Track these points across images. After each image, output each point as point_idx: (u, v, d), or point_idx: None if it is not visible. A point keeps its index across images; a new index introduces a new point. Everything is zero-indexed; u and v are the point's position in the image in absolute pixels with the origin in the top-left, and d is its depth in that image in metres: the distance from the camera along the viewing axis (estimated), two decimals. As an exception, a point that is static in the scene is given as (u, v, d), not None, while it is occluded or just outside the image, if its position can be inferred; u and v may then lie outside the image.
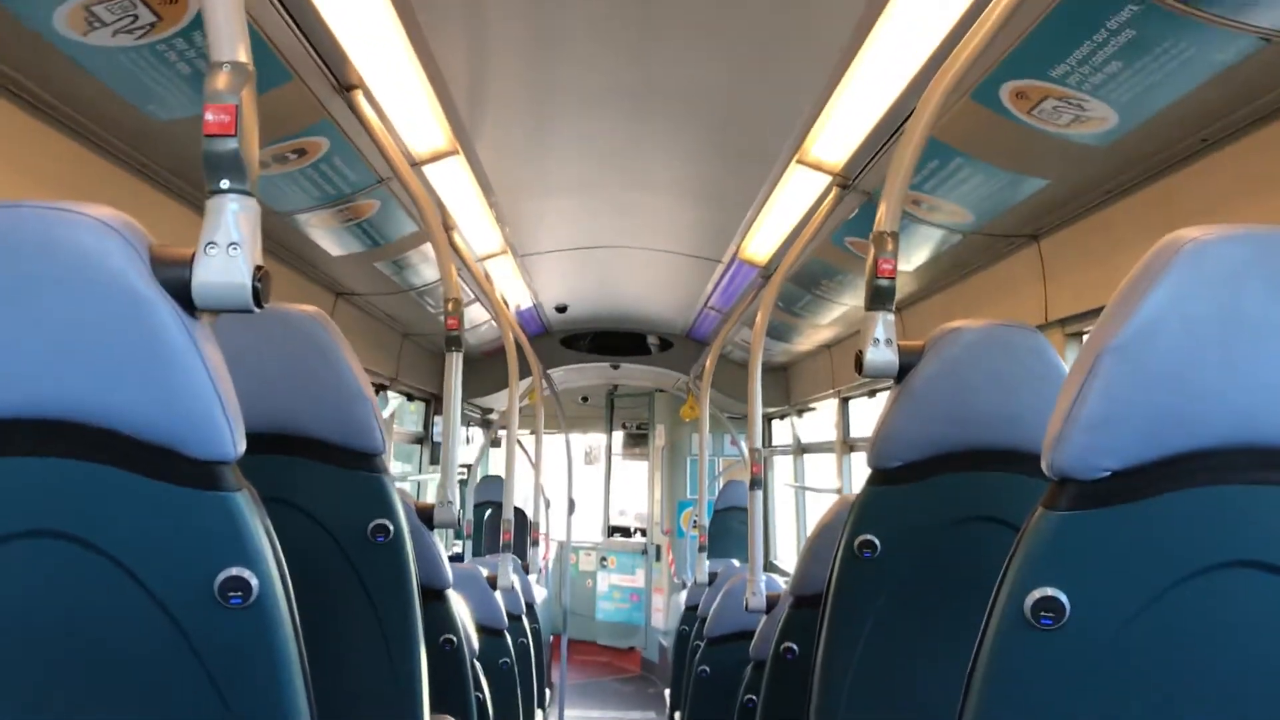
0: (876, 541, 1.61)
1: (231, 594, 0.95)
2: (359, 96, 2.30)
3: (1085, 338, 2.68)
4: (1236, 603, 0.92)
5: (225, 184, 0.97)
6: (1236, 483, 0.91)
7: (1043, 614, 0.93)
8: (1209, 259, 0.90)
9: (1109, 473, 0.93)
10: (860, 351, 1.54)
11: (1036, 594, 0.93)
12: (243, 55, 1.00)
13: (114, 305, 0.91)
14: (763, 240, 3.78)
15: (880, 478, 1.64)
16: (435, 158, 2.89)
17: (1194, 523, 0.92)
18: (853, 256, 3.44)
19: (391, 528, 1.70)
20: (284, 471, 1.67)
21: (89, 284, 0.91)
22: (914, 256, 3.18)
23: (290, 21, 1.92)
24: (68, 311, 0.91)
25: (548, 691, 6.14)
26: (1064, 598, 0.93)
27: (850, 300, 4.08)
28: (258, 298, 0.97)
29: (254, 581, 0.95)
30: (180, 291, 0.94)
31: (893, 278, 1.53)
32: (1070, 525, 0.94)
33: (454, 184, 3.14)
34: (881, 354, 1.54)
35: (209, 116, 0.97)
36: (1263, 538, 0.91)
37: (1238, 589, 0.91)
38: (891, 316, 1.54)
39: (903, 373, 1.58)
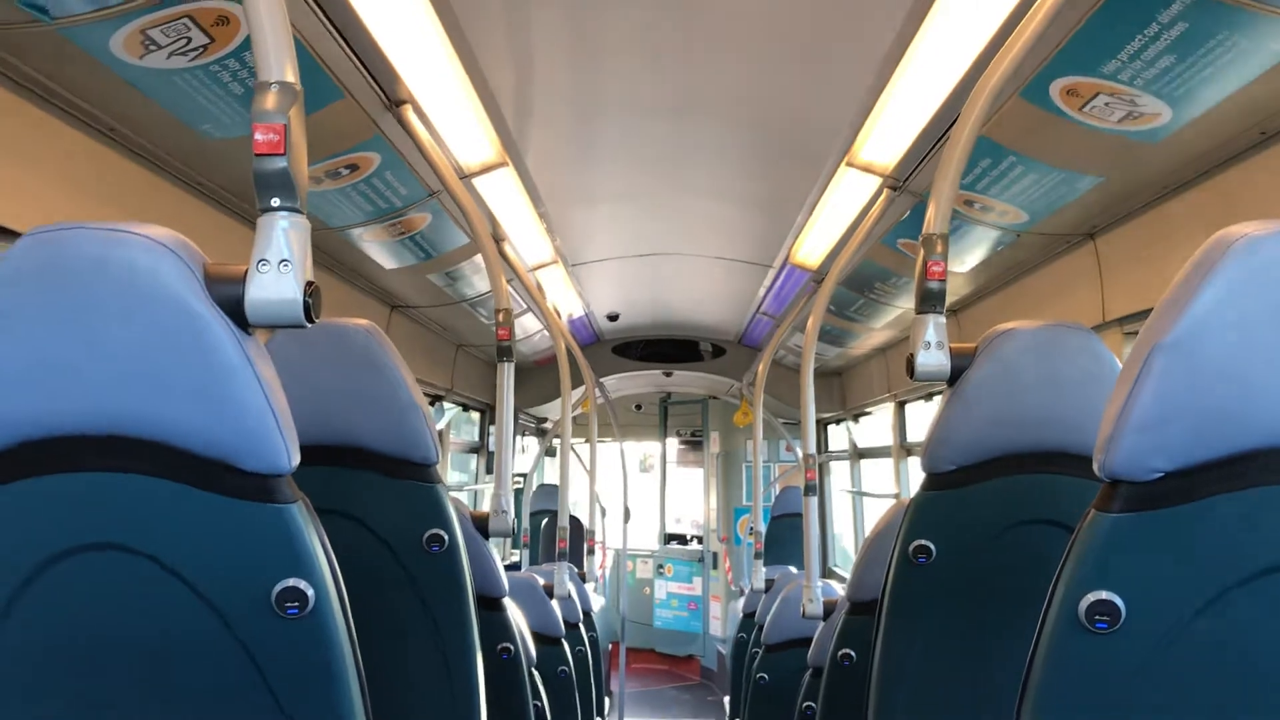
0: (931, 546, 1.60)
1: (289, 604, 0.97)
2: (408, 111, 2.33)
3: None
4: None
5: (276, 202, 1.00)
6: None
7: (1097, 618, 0.91)
8: (1262, 254, 0.88)
9: (1161, 474, 0.91)
10: (911, 355, 1.53)
11: (1091, 597, 0.92)
12: (290, 75, 1.02)
13: (170, 323, 0.94)
14: (814, 244, 3.76)
15: (934, 482, 1.63)
16: (485, 170, 2.92)
17: (1249, 525, 0.90)
18: (905, 258, 3.41)
19: (446, 537, 1.72)
20: (339, 482, 1.70)
21: (145, 303, 0.93)
22: (968, 257, 3.15)
23: (340, 40, 1.96)
24: (125, 330, 0.94)
25: (606, 700, 6.15)
26: (1119, 601, 0.91)
27: (904, 303, 4.04)
28: (309, 313, 0.99)
29: (310, 592, 0.97)
30: (234, 308, 0.96)
31: (943, 280, 1.51)
32: (1123, 528, 0.92)
33: (504, 195, 3.17)
34: (933, 357, 1.52)
35: (258, 136, 0.99)
36: None
37: None
38: (943, 319, 1.53)
39: (955, 375, 1.56)
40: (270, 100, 1.00)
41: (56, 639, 0.98)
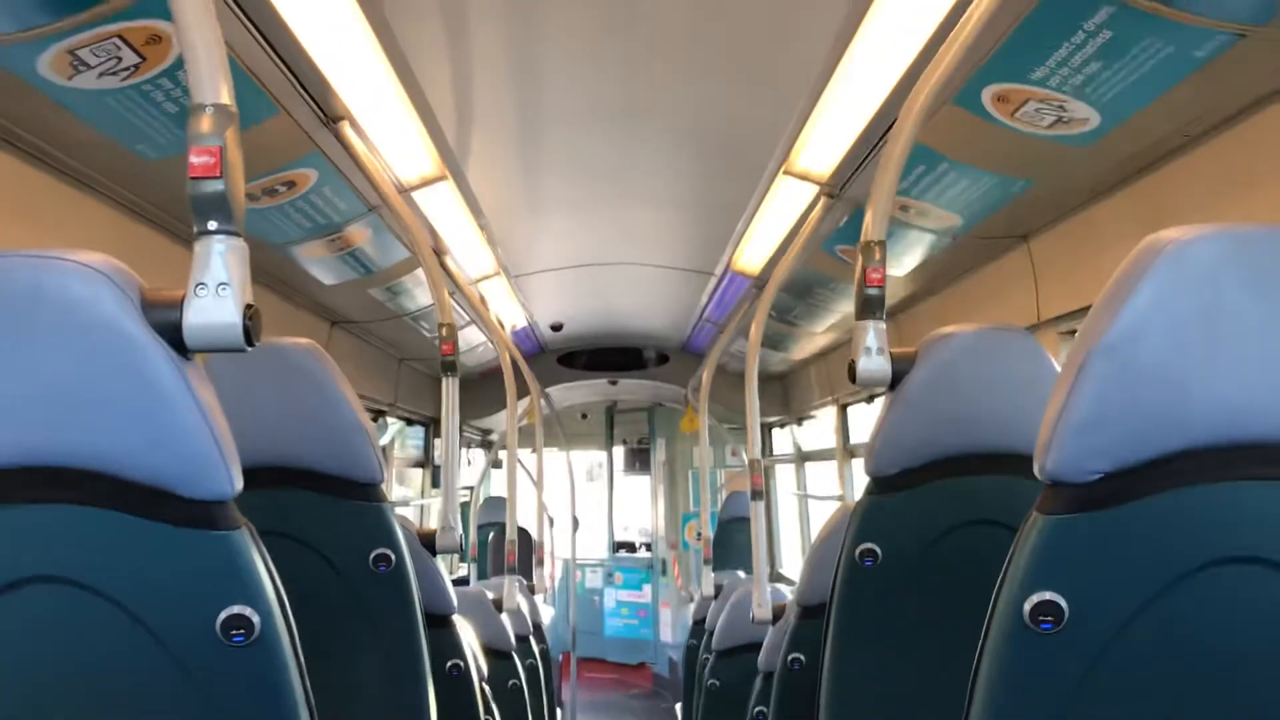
0: (878, 550, 1.62)
1: (234, 632, 0.95)
2: (346, 127, 2.31)
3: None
4: (1233, 599, 0.92)
5: (213, 225, 0.98)
6: (1227, 480, 0.92)
7: (1042, 618, 0.93)
8: (1189, 259, 0.91)
9: (1101, 475, 0.93)
10: (853, 361, 1.54)
11: (1035, 598, 0.93)
12: (225, 97, 1.01)
13: (106, 351, 0.92)
14: (754, 251, 3.79)
15: (878, 486, 1.65)
16: (424, 184, 2.90)
17: (1187, 522, 0.92)
18: (844, 264, 3.45)
19: (393, 557, 1.71)
20: (284, 505, 1.68)
21: (80, 331, 0.92)
22: (905, 260, 3.19)
23: (275, 56, 1.94)
24: (60, 359, 0.92)
25: (559, 710, 6.12)
26: (1062, 601, 0.93)
27: (844, 307, 4.09)
28: (249, 336, 0.98)
29: (255, 619, 0.96)
30: (171, 334, 0.94)
31: (882, 286, 1.54)
32: (1064, 529, 0.94)
33: (444, 209, 3.15)
34: (874, 363, 1.54)
35: (193, 159, 0.98)
36: (1256, 534, 0.92)
37: (1234, 586, 0.92)
38: (883, 325, 1.55)
39: (896, 380, 1.58)
40: (205, 123, 0.99)
41: None
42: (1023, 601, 0.94)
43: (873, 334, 1.54)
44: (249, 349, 0.99)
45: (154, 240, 2.43)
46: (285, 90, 2.07)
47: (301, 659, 1.02)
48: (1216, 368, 0.91)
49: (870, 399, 4.95)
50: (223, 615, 0.95)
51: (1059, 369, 1.52)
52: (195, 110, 1.00)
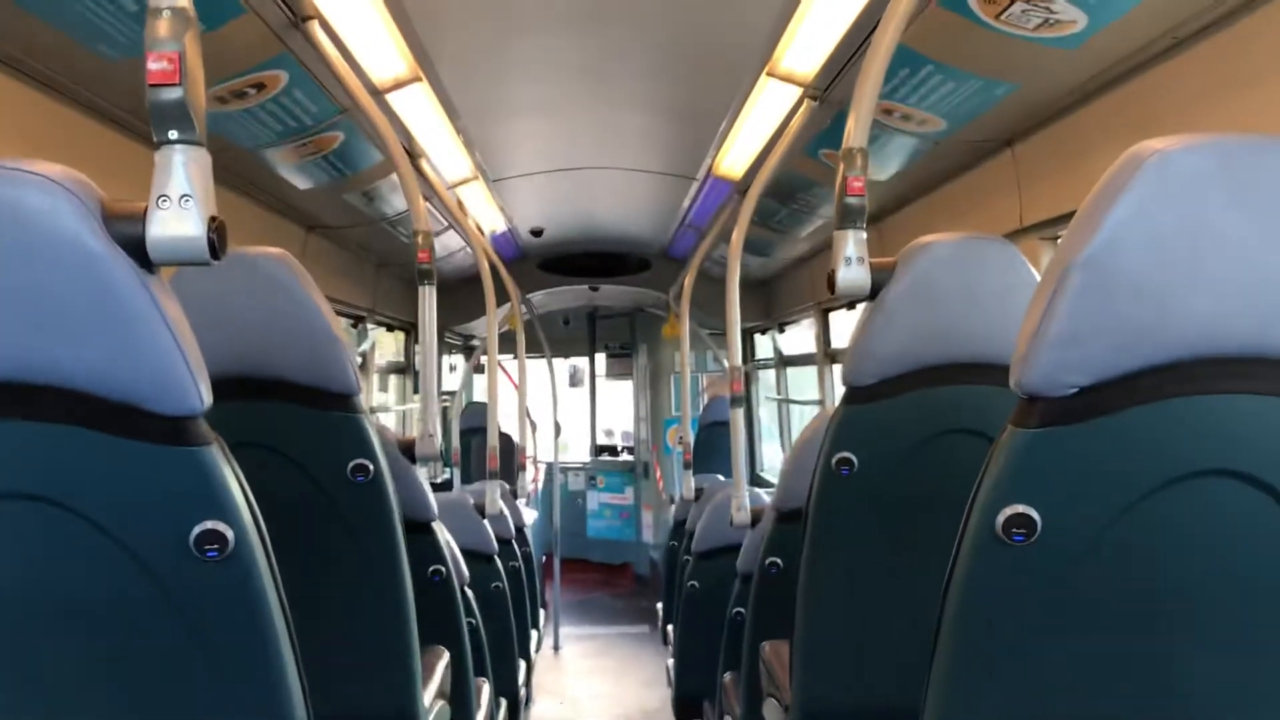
0: (854, 459, 1.63)
1: (208, 547, 0.95)
2: (315, 27, 2.24)
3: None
4: (1206, 512, 0.93)
5: (173, 135, 0.95)
6: (1204, 393, 0.92)
7: (1014, 530, 0.94)
8: (1173, 170, 0.89)
9: (1076, 389, 0.93)
10: (832, 271, 1.53)
11: (1008, 511, 0.94)
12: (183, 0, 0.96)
13: (68, 266, 0.90)
14: (737, 155, 3.74)
15: (856, 395, 1.65)
16: (397, 85, 2.83)
17: (1162, 435, 0.92)
18: (827, 169, 3.41)
19: (371, 467, 1.71)
20: (259, 416, 1.67)
21: (42, 245, 0.89)
22: (888, 166, 3.16)
23: (238, -49, 1.86)
24: (21, 274, 0.90)
25: (542, 611, 6.24)
26: (1035, 514, 0.93)
27: (827, 212, 4.06)
28: (214, 249, 0.95)
29: (229, 534, 0.95)
30: (135, 247, 0.92)
31: (863, 195, 1.52)
32: (1039, 443, 0.94)
33: (418, 111, 3.08)
34: (854, 272, 1.53)
35: (151, 65, 0.94)
36: (1231, 447, 0.92)
37: (1207, 499, 0.92)
38: (863, 234, 1.53)
39: (876, 290, 1.57)
40: (163, 27, 0.95)
41: None
42: (995, 514, 0.94)
43: (852, 243, 1.52)
44: (215, 262, 0.97)
45: (119, 144, 2.37)
46: (251, -12, 2.00)
47: (277, 572, 1.02)
48: (1197, 281, 0.90)
49: (851, 305, 4.94)
50: (196, 530, 0.95)
51: (1039, 278, 1.51)
52: (152, 14, 0.96)
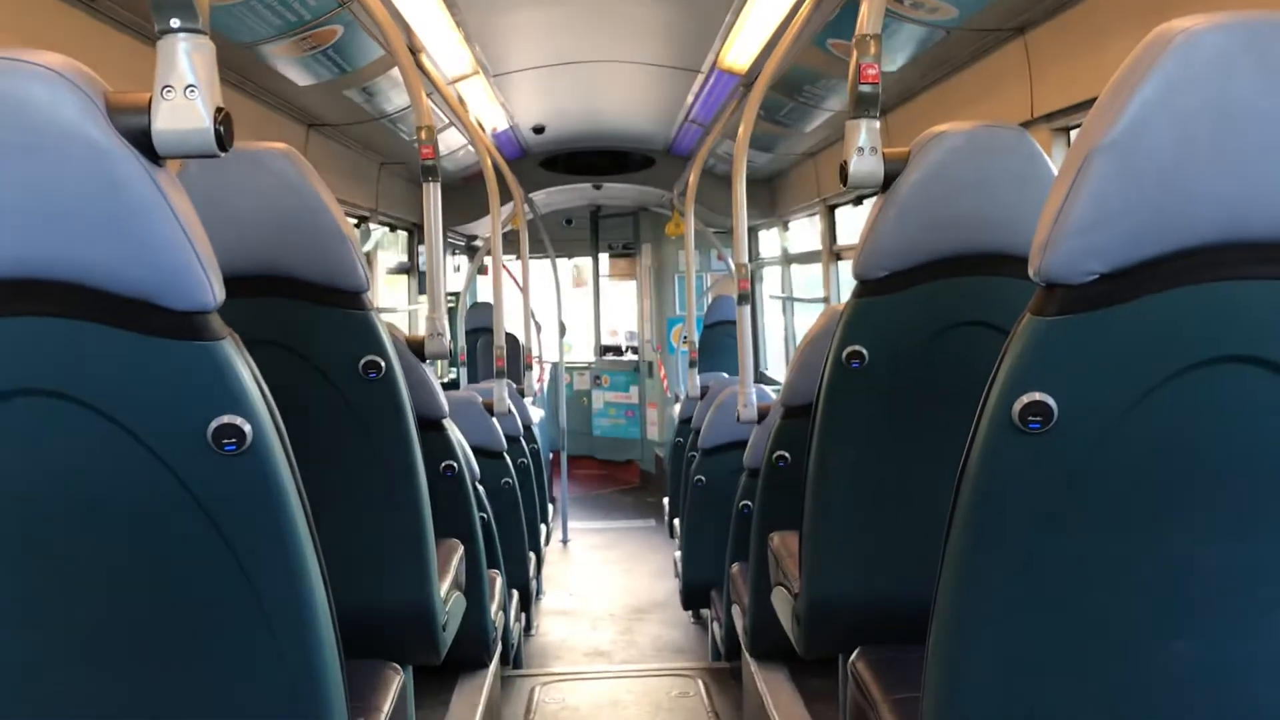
0: (865, 352, 1.63)
1: (225, 441, 0.96)
2: (310, -87, 2.18)
3: (1073, 134, 2.64)
4: (1225, 399, 0.92)
5: (175, 22, 0.93)
6: (1227, 279, 0.90)
7: (1030, 418, 0.93)
8: (1200, 50, 0.87)
9: (1096, 275, 0.92)
10: (844, 162, 1.51)
11: (1024, 399, 0.93)
12: None
13: (73, 159, 0.88)
14: (742, 47, 3.66)
15: (867, 288, 1.64)
16: (397, -25, 2.76)
17: (1183, 321, 0.91)
18: (836, 59, 3.34)
19: (383, 363, 1.71)
20: (270, 313, 1.67)
21: (46, 138, 0.88)
22: (898, 56, 3.09)
23: None
24: (27, 168, 0.88)
25: (550, 506, 6.34)
26: (1051, 401, 0.93)
27: (835, 105, 3.99)
28: (221, 141, 0.94)
29: (247, 428, 0.96)
30: (141, 140, 0.91)
31: (877, 83, 1.48)
32: (1058, 330, 0.93)
33: (418, 2, 3.01)
34: (866, 163, 1.51)
35: None
36: (1253, 333, 0.91)
37: (1227, 385, 0.92)
38: (876, 124, 1.51)
39: (888, 181, 1.55)
40: None
41: None
42: (1012, 401, 0.94)
43: (865, 133, 1.50)
44: (222, 154, 0.95)
45: (120, 42, 2.31)
46: (243, -127, 1.93)
47: (295, 466, 1.03)
48: (1222, 164, 0.88)
49: (858, 201, 4.89)
50: (213, 425, 0.95)
51: (1054, 167, 1.49)
52: None
